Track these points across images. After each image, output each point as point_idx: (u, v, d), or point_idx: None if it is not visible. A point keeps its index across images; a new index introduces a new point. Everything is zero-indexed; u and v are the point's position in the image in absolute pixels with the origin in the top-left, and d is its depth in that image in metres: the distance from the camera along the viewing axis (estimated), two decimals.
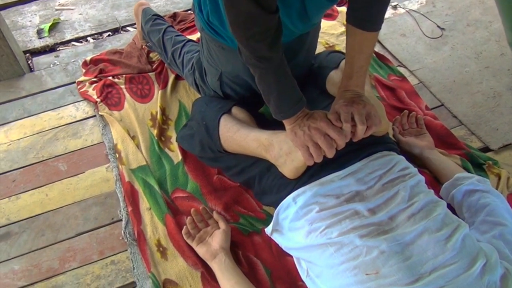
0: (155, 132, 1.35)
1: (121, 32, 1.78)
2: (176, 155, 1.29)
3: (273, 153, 0.99)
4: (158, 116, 1.38)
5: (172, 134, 1.35)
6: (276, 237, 0.99)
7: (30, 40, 1.72)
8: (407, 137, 1.25)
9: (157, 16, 1.55)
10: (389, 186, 0.91)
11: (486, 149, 1.30)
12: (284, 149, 0.97)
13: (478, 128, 1.35)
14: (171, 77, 1.50)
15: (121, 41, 1.71)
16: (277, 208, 0.97)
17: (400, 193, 0.90)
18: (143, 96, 1.46)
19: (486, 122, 1.36)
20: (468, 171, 1.18)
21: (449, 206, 1.02)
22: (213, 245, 1.04)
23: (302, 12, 0.94)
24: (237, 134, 1.08)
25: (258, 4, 0.75)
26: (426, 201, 0.89)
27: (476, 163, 1.23)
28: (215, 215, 1.12)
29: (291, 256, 1.01)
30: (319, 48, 1.52)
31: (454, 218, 0.89)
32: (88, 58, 1.60)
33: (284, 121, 0.94)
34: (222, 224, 1.08)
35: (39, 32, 1.75)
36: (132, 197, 1.20)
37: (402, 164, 0.97)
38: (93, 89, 1.48)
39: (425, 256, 0.79)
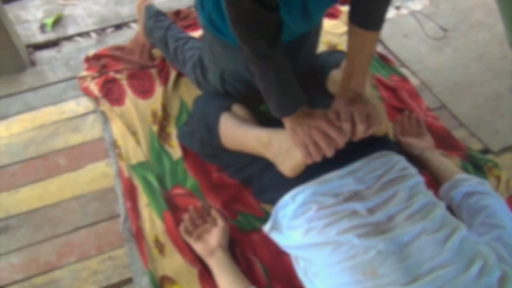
0: (155, 128, 1.35)
1: (124, 28, 1.78)
2: (176, 152, 1.29)
3: (272, 151, 0.99)
4: (159, 113, 1.38)
5: (173, 131, 1.36)
6: (274, 235, 0.99)
7: (33, 34, 1.72)
8: (408, 137, 1.25)
9: (160, 13, 1.55)
10: (388, 186, 0.91)
11: (486, 151, 1.30)
12: (283, 147, 0.97)
13: (479, 130, 1.35)
14: (173, 74, 1.50)
15: (124, 37, 1.71)
16: (276, 206, 0.97)
17: (399, 193, 0.90)
18: (145, 92, 1.46)
19: (487, 124, 1.36)
20: (468, 173, 1.17)
21: (448, 208, 1.02)
22: (211, 242, 1.04)
23: (304, 10, 0.94)
24: (237, 132, 1.08)
25: (258, 1, 0.75)
26: (425, 201, 0.89)
27: (476, 165, 1.23)
28: (213, 212, 1.12)
29: (289, 255, 1.01)
30: (321, 47, 1.52)
31: (453, 219, 0.89)
32: (90, 54, 1.60)
33: (284, 119, 0.94)
34: (220, 222, 1.08)
35: (42, 27, 1.75)
36: (131, 193, 1.20)
37: (402, 165, 0.97)
38: (95, 85, 1.48)
39: (423, 257, 0.79)
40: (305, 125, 0.89)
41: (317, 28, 1.18)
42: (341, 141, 0.87)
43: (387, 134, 1.11)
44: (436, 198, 0.94)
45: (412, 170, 0.97)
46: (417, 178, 0.96)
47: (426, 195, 0.91)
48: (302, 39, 1.10)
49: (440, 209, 0.89)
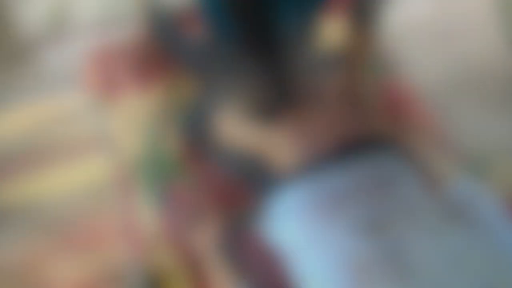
0: (155, 124, 1.35)
1: (128, 23, 1.78)
2: (176, 148, 1.30)
3: (269, 147, 1.00)
4: (160, 108, 1.39)
5: (173, 127, 1.36)
6: (269, 233, 0.99)
7: (34, 27, 1.73)
8: (405, 137, 1.25)
9: (162, 10, 1.55)
10: (385, 185, 0.92)
11: (484, 154, 1.30)
12: (280, 144, 0.97)
13: (477, 131, 1.35)
14: (175, 70, 1.51)
15: (127, 33, 1.71)
16: (272, 204, 0.98)
17: (396, 192, 0.90)
18: (146, 88, 1.47)
19: (485, 126, 1.36)
20: (465, 175, 1.18)
21: (445, 209, 1.03)
22: (208, 240, 1.05)
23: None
24: (235, 129, 1.08)
25: None
26: (422, 202, 0.89)
27: (474, 167, 1.24)
28: (210, 209, 1.12)
29: (284, 253, 1.01)
30: (321, 47, 1.52)
31: (449, 221, 0.89)
32: (91, 48, 1.61)
33: (279, 115, 0.95)
34: (217, 220, 1.08)
35: (43, 20, 1.76)
36: (129, 190, 1.20)
37: (399, 164, 0.98)
38: (95, 79, 1.49)
39: (418, 256, 0.80)
40: (302, 122, 0.90)
41: (316, 25, 1.19)
42: (338, 139, 0.88)
43: (385, 134, 1.11)
44: (433, 199, 0.94)
45: (410, 169, 0.98)
46: (415, 178, 0.96)
47: (423, 195, 0.92)
48: (300, 36, 1.10)
49: (436, 210, 0.89)
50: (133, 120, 1.45)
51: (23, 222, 1.14)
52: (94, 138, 1.35)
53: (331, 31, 1.74)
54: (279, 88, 0.94)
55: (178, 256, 1.11)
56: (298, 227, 0.91)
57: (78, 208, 1.17)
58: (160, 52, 1.62)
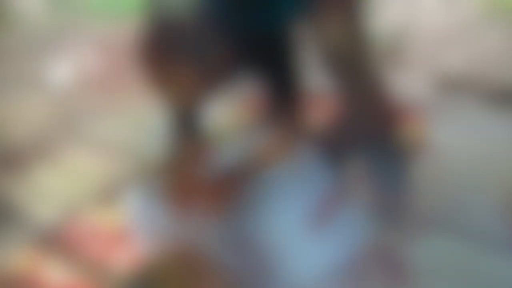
0: (156, 124, 1.35)
1: (129, 22, 1.77)
2: (176, 148, 1.29)
3: (268, 146, 1.01)
4: (161, 108, 1.38)
5: (173, 127, 1.35)
6: (266, 231, 0.99)
7: (34, 25, 1.72)
8: (403, 137, 1.25)
9: (165, 9, 1.55)
10: (383, 184, 0.92)
11: (483, 154, 1.30)
12: (278, 142, 0.98)
13: (476, 132, 1.35)
14: (176, 69, 1.50)
15: (129, 31, 1.69)
16: (268, 202, 0.98)
17: (395, 192, 0.91)
18: (147, 88, 1.46)
19: (485, 127, 1.36)
20: (464, 176, 1.17)
21: (444, 209, 1.03)
22: (205, 239, 1.04)
23: None
24: (234, 127, 1.09)
25: None
26: (420, 202, 0.90)
27: (473, 168, 1.23)
28: (208, 209, 1.12)
29: (281, 251, 1.00)
30: None
31: (448, 221, 0.90)
32: (93, 47, 1.59)
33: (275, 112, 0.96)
34: (215, 218, 1.08)
35: (44, 18, 1.75)
36: (127, 189, 1.19)
37: (398, 163, 0.98)
38: (97, 79, 1.48)
39: (416, 257, 0.81)
40: (300, 121, 0.91)
41: (315, 25, 1.19)
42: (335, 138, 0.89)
43: (384, 134, 1.12)
44: (431, 199, 0.95)
45: (408, 170, 0.98)
46: (413, 178, 0.97)
47: (421, 196, 0.92)
48: (299, 35, 1.10)
49: (435, 210, 0.90)
50: (133, 119, 1.44)
51: (17, 224, 1.12)
52: (93, 138, 1.33)
53: (331, 31, 1.74)
54: (279, 87, 0.94)
55: (176, 256, 1.10)
56: (295, 225, 0.91)
57: (75, 209, 1.16)
58: (161, 51, 1.61)
